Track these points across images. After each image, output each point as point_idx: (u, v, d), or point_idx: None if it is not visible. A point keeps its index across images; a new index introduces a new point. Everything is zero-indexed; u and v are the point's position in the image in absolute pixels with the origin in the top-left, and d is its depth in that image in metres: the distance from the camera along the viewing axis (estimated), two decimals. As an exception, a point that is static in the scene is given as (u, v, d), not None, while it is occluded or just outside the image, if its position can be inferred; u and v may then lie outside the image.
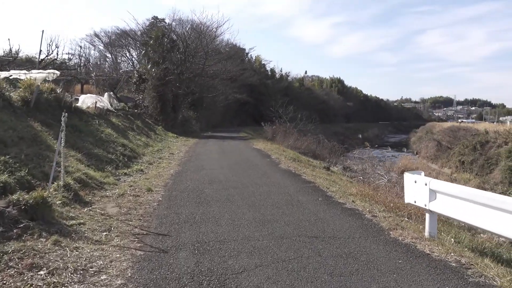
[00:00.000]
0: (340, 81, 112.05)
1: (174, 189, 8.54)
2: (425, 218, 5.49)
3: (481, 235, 6.83)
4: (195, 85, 31.52)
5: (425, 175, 5.42)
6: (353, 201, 7.53)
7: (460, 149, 39.01)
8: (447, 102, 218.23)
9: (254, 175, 10.74)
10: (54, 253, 4.40)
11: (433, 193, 4.96)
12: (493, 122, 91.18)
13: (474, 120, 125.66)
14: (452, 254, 4.50)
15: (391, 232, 5.42)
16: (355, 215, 6.42)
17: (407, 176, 5.54)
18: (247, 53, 58.48)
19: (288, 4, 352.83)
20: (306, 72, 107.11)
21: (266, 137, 31.70)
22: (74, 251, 4.55)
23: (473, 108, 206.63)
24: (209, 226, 5.74)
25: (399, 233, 5.33)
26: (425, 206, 5.07)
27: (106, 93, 26.16)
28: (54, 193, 6.35)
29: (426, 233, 5.20)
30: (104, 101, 19.25)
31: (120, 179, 9.47)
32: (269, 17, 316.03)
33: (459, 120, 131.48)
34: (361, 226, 5.77)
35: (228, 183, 9.43)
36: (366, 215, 6.42)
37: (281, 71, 77.87)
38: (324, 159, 19.06)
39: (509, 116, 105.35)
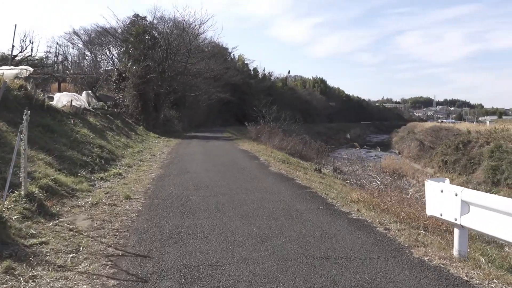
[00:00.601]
0: (322, 81, 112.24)
1: (155, 196, 7.63)
2: (444, 231, 4.74)
3: (507, 249, 6.11)
4: (177, 84, 30.45)
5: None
6: (358, 210, 6.75)
7: (443, 149, 39.10)
8: (427, 102, 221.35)
9: (244, 179, 9.91)
10: (3, 286, 3.48)
11: (465, 205, 4.19)
12: (473, 122, 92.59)
13: (453, 120, 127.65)
14: (495, 281, 3.74)
15: (412, 251, 4.64)
16: (366, 228, 5.63)
17: (430, 184, 4.75)
18: (230, 52, 57.79)
19: (270, 4, 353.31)
20: (289, 72, 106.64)
21: (250, 137, 31.02)
22: (30, 281, 3.63)
23: (452, 108, 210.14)
24: (197, 244, 4.86)
25: (422, 252, 4.55)
26: (455, 220, 4.29)
27: (85, 91, 24.96)
28: (12, 205, 5.37)
29: (455, 252, 4.43)
30: (82, 99, 18.13)
31: (95, 184, 8.51)
32: (251, 17, 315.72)
33: (439, 120, 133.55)
34: (375, 242, 4.97)
35: (216, 188, 8.57)
36: (377, 228, 5.62)
37: (264, 70, 77.44)
38: (312, 160, 18.36)
39: (488, 116, 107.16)
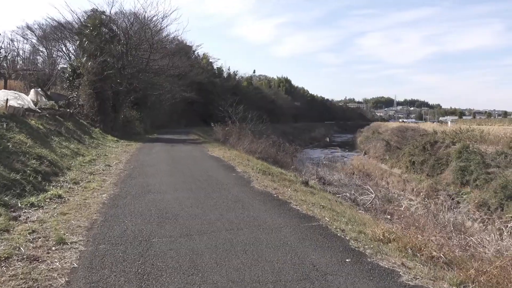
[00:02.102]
0: (287, 81, 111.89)
1: (103, 237, 5.38)
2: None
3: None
4: (138, 82, 27.99)
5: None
6: (403, 264, 4.76)
7: (410, 150, 39.10)
8: (388, 102, 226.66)
9: (224, 203, 7.62)
10: None
11: None
12: (433, 122, 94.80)
13: (414, 119, 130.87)
14: None
15: None
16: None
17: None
18: (194, 51, 55.89)
19: (234, 3, 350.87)
20: (254, 72, 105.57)
21: (217, 139, 29.59)
22: None
23: (412, 108, 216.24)
24: None
25: None
26: None
27: (33, 89, 22.46)
28: None
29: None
30: (25, 98, 15.84)
31: (19, 216, 6.06)
32: (214, 16, 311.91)
33: (400, 120, 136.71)
34: None
35: (189, 221, 6.27)
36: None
37: (229, 70, 75.82)
38: (288, 165, 16.91)
39: (448, 117, 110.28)
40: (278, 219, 6.56)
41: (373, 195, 11.46)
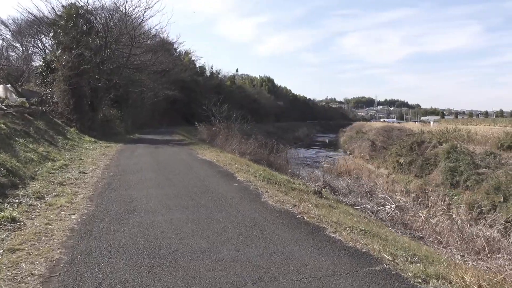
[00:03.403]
0: (270, 80, 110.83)
1: None
2: None
3: None
4: (118, 78, 26.01)
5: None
6: None
7: (397, 150, 38.51)
8: (369, 102, 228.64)
9: (236, 230, 5.67)
10: None
11: None
12: (416, 121, 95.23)
13: (395, 119, 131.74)
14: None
15: None
16: None
17: None
18: (176, 48, 54.11)
19: (214, 2, 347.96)
20: (237, 70, 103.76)
21: (202, 139, 28.24)
22: None
23: (392, 108, 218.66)
24: None
25: None
26: None
27: (1, 85, 20.48)
28: None
29: None
30: (-10, 94, 14.02)
31: None
32: (196, 15, 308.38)
33: (382, 119, 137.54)
34: None
35: (193, 263, 4.39)
36: None
37: (211, 68, 74.25)
38: (284, 169, 15.56)
39: (430, 116, 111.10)
40: (322, 260, 4.67)
41: (393, 206, 10.10)
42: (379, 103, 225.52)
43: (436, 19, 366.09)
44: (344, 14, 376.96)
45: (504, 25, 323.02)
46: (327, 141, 74.68)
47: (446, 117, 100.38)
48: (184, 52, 60.95)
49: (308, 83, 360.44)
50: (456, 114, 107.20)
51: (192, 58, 63.74)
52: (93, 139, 19.50)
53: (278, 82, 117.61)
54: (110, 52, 25.02)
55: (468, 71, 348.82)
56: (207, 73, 70.85)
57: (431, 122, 78.51)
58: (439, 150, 31.70)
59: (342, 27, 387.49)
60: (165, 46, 41.61)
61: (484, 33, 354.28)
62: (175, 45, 51.75)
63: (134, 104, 32.90)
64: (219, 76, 76.03)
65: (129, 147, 18.51)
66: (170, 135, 28.23)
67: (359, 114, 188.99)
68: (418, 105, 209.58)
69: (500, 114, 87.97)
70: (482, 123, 65.36)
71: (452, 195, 23.65)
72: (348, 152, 57.21)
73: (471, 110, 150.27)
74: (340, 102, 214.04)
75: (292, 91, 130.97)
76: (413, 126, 59.76)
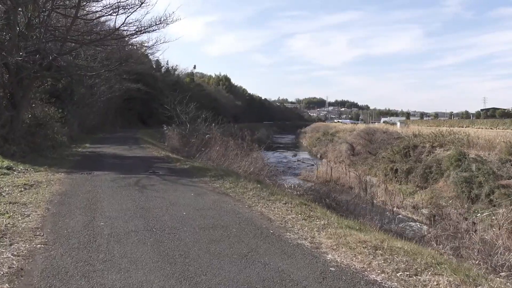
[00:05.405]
0: (227, 79, 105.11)
1: None
2: None
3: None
4: (58, 55, 14.80)
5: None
6: None
7: (389, 155, 34.11)
8: (320, 103, 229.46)
9: None
10: None
11: None
12: (375, 122, 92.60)
13: (349, 120, 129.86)
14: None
15: None
16: None
17: None
18: (127, 40, 45.96)
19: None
20: (195, 67, 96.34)
21: (174, 147, 22.03)
22: None
23: (343, 109, 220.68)
24: None
25: None
26: None
27: None
28: None
29: None
30: None
31: None
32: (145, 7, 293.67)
33: (335, 120, 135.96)
34: None
35: None
36: None
37: (167, 63, 66.18)
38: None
39: (393, 117, 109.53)
40: None
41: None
42: (330, 104, 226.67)
43: (381, 23, 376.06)
44: (293, 16, 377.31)
45: (442, 30, 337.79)
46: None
47: (412, 119, 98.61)
48: (137, 44, 52.85)
49: (262, 84, 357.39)
50: (422, 115, 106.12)
51: (148, 51, 55.61)
52: (7, 163, 10.86)
53: (234, 81, 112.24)
54: (44, 15, 15.12)
55: (411, 73, 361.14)
56: (163, 69, 62.91)
57: (398, 124, 75.56)
58: (442, 157, 27.79)
59: (291, 28, 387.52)
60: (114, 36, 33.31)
61: (424, 37, 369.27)
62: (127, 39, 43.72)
63: (82, 101, 23.99)
64: (176, 72, 68.33)
65: (78, 185, 9.09)
66: (137, 145, 19.89)
67: (312, 114, 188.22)
68: (367, 106, 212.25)
69: (466, 115, 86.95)
70: (458, 124, 63.51)
71: (474, 211, 19.09)
72: (319, 156, 52.55)
73: (414, 111, 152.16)
74: (292, 102, 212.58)
75: (248, 91, 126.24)
76: (381, 127, 56.70)
